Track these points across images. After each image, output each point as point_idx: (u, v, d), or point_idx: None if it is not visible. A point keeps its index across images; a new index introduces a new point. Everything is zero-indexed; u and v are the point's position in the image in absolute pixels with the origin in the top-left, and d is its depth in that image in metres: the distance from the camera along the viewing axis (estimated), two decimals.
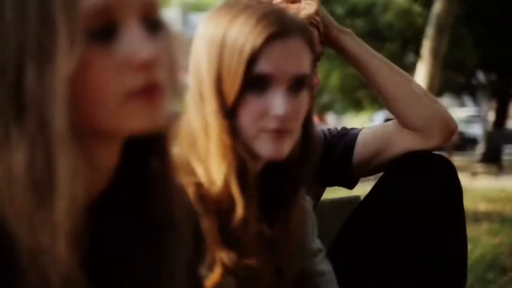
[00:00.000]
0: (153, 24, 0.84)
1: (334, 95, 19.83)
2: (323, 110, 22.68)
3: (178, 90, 0.88)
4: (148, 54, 0.80)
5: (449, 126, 1.75)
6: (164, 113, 0.84)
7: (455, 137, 1.84)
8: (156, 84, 0.82)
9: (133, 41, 0.80)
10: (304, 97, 1.33)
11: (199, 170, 1.29)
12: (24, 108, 0.76)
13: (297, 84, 1.31)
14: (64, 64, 0.75)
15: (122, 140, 0.87)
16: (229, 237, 1.28)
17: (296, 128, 1.32)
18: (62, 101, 0.76)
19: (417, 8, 13.45)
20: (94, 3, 0.78)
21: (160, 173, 0.93)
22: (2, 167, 0.76)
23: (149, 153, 0.92)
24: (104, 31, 0.79)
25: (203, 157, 1.30)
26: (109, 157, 0.87)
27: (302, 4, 1.68)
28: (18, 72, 0.76)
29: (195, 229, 1.02)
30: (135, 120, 0.81)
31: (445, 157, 1.75)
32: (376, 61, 1.75)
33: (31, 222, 0.76)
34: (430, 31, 9.05)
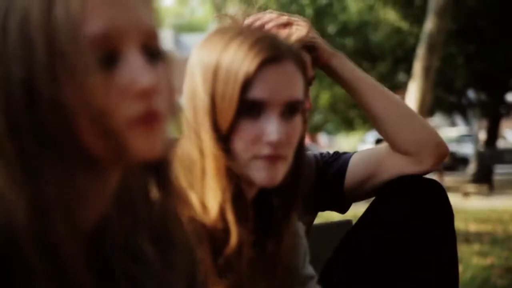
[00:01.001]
0: (153, 53, 0.85)
1: (325, 115, 19.87)
2: (315, 130, 22.68)
3: (177, 118, 0.89)
4: (147, 82, 0.81)
5: (440, 150, 1.75)
6: (163, 141, 0.85)
7: (446, 158, 1.84)
8: (156, 112, 0.82)
9: (133, 69, 0.81)
10: (297, 122, 1.33)
11: (193, 198, 1.29)
12: (45, 131, 0.78)
13: (290, 110, 1.31)
14: (75, 89, 0.77)
15: (121, 167, 0.88)
16: (222, 263, 1.28)
17: (289, 154, 1.32)
18: (79, 123, 0.78)
19: (408, 26, 13.52)
20: (96, 31, 0.79)
21: (161, 200, 0.94)
22: (28, 195, 0.77)
23: (148, 179, 0.93)
24: (105, 59, 0.80)
25: (198, 184, 1.30)
26: (108, 183, 0.88)
27: (294, 28, 1.69)
28: (30, 100, 0.77)
29: (192, 256, 1.03)
30: (133, 147, 0.82)
31: (436, 181, 1.75)
32: (367, 85, 1.75)
33: (55, 243, 0.78)
34: (421, 50, 9.09)
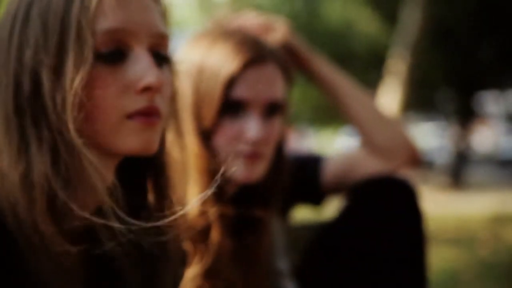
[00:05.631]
0: (160, 57, 0.91)
1: (298, 108, 19.77)
2: (290, 123, 22.52)
3: (177, 122, 0.94)
4: (153, 79, 0.86)
5: (412, 150, 1.77)
6: (159, 137, 0.91)
7: (418, 160, 1.87)
8: (156, 109, 0.88)
9: (141, 66, 0.87)
10: (277, 122, 1.38)
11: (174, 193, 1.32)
12: (40, 115, 0.83)
13: (271, 110, 1.36)
14: (74, 79, 0.82)
15: (118, 159, 0.92)
16: (202, 256, 1.32)
17: (269, 152, 1.37)
18: (73, 112, 0.82)
19: (381, 25, 13.54)
20: (107, 27, 0.85)
21: (156, 201, 0.99)
22: (20, 170, 0.82)
23: (144, 177, 0.98)
24: (114, 54, 0.86)
25: (179, 179, 1.33)
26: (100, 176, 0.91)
27: (275, 31, 1.71)
28: (35, 82, 0.83)
29: (181, 251, 1.07)
30: (131, 140, 0.87)
31: (409, 182, 1.76)
32: (345, 84, 1.77)
33: (47, 223, 0.82)
34: (396, 51, 9.14)
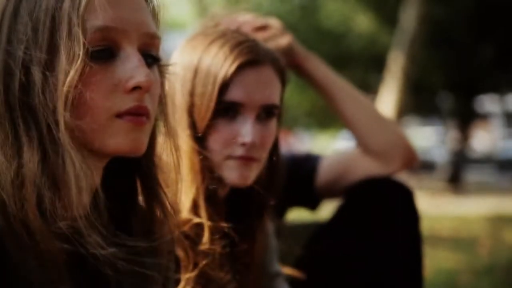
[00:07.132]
0: (150, 57, 0.91)
1: (296, 112, 19.75)
2: (288, 127, 22.55)
3: (167, 124, 0.94)
4: (142, 79, 0.86)
5: (409, 152, 1.76)
6: (147, 138, 0.90)
7: (415, 162, 1.86)
8: (145, 109, 0.88)
9: (130, 66, 0.87)
10: (272, 126, 1.37)
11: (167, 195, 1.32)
12: (31, 112, 0.83)
13: (266, 113, 1.35)
14: (65, 75, 0.82)
15: (106, 160, 0.92)
16: (194, 260, 1.31)
17: (263, 156, 1.36)
18: (63, 107, 0.82)
19: (381, 29, 13.52)
20: (98, 24, 0.85)
21: (145, 202, 0.98)
22: (14, 167, 0.82)
23: (134, 178, 0.98)
24: (104, 52, 0.86)
25: (171, 181, 1.33)
26: (88, 176, 0.90)
27: (272, 32, 1.70)
28: (25, 79, 0.83)
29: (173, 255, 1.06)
30: (119, 140, 0.87)
31: (405, 184, 1.76)
32: (340, 88, 1.76)
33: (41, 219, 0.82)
34: (395, 52, 9.12)
